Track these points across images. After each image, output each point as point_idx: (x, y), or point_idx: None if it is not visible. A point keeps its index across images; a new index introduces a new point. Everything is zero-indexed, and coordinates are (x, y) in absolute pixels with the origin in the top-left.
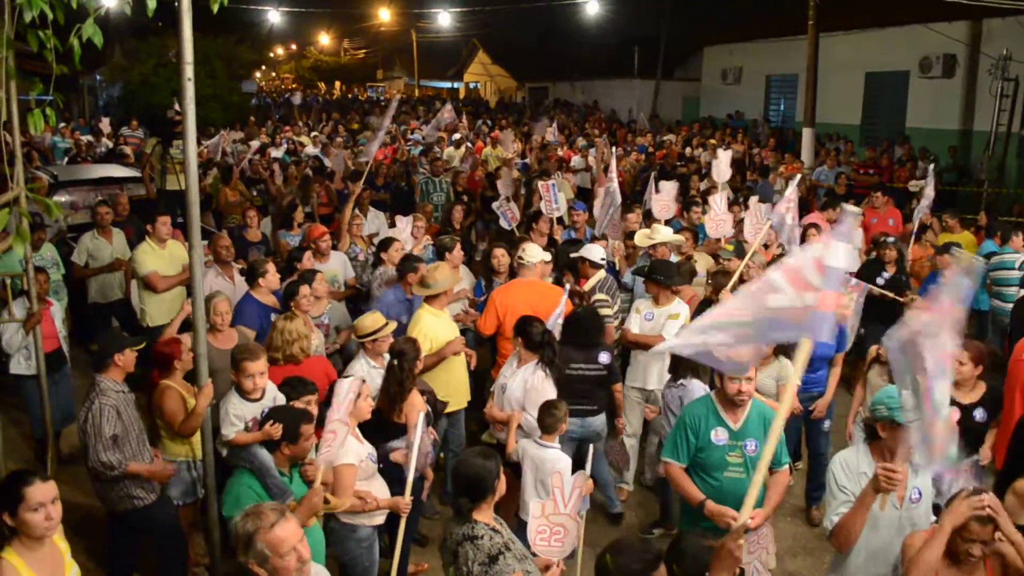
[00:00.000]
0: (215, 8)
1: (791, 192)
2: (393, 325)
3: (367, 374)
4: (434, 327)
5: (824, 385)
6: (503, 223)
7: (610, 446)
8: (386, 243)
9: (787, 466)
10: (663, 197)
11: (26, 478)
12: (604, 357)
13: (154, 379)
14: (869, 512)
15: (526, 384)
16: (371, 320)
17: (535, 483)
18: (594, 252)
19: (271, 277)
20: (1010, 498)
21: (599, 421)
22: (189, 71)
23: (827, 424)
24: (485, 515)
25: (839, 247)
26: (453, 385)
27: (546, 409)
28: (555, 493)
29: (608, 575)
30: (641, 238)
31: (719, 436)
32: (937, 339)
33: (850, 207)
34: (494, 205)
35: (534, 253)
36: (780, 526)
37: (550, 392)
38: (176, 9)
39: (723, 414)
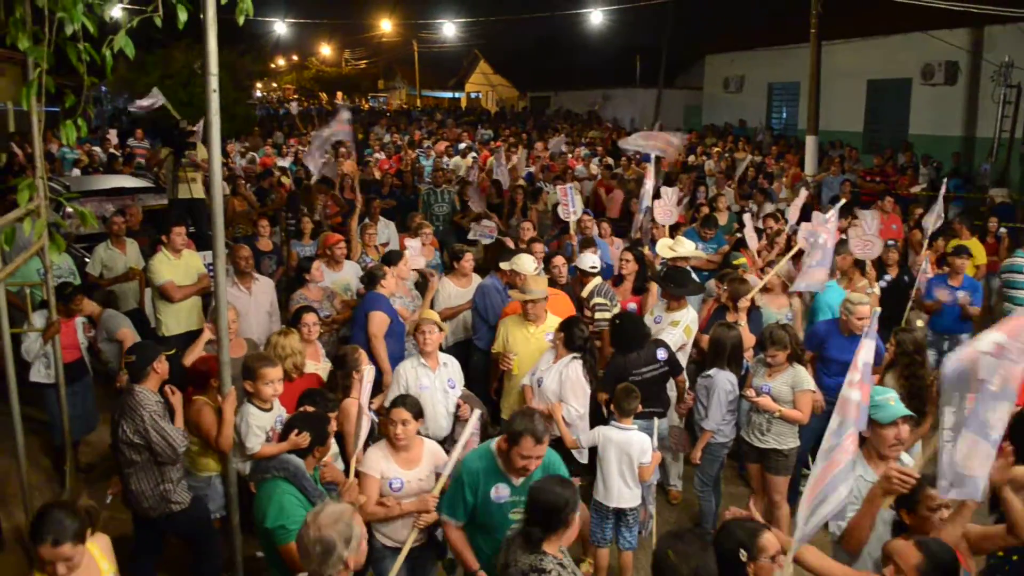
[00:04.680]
0: (241, 20)
1: (832, 216)
2: (438, 327)
3: (410, 371)
4: (513, 333)
5: None
6: (484, 241)
7: (669, 430)
8: (394, 257)
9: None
10: (664, 203)
11: (42, 534)
12: (661, 353)
13: (188, 395)
14: (877, 513)
15: (561, 376)
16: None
17: (619, 466)
18: (584, 261)
19: (390, 279)
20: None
21: (666, 424)
22: (214, 82)
23: None
24: (553, 546)
25: None
26: (512, 400)
27: (626, 393)
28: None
29: (669, 564)
30: (663, 249)
31: (500, 493)
32: (1008, 361)
33: (865, 212)
34: (470, 236)
35: (526, 265)
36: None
37: (585, 384)
38: (200, 21)
39: (505, 471)
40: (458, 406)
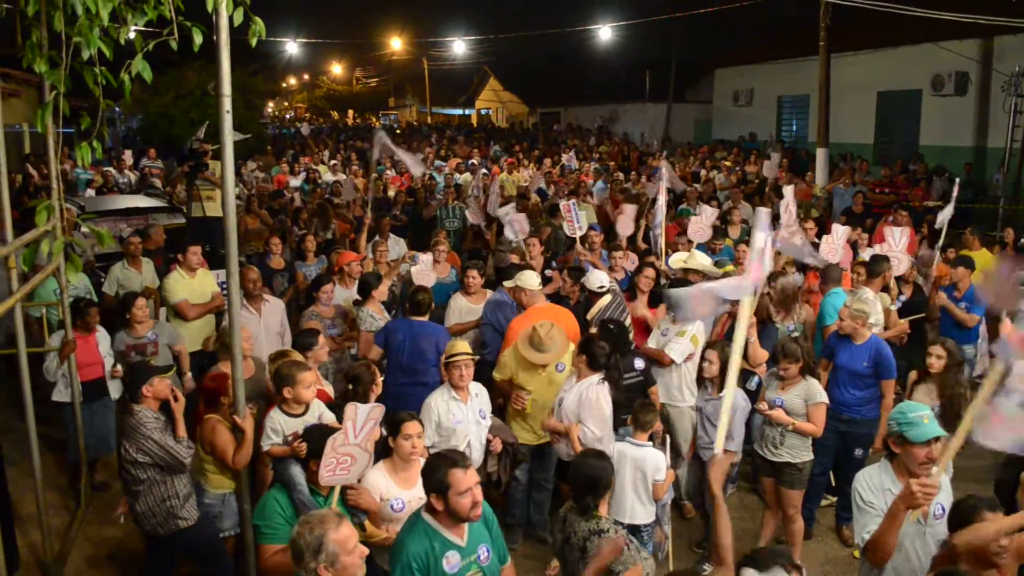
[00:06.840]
0: (253, 42)
1: (790, 217)
2: (469, 357)
3: (441, 404)
4: (524, 367)
5: (860, 410)
6: (508, 233)
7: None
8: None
9: (510, 564)
10: (701, 221)
11: None
12: (639, 362)
13: (199, 413)
14: (901, 527)
15: (581, 397)
16: (450, 345)
17: (633, 482)
18: (591, 281)
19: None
20: (1021, 492)
21: None
22: (227, 103)
23: (859, 452)
24: (603, 510)
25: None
26: (534, 422)
27: (644, 408)
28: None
29: None
30: (676, 261)
31: (452, 562)
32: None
33: (895, 228)
34: (500, 211)
35: (530, 280)
36: (811, 546)
37: (606, 406)
38: (214, 43)
39: (448, 534)
40: (489, 441)
